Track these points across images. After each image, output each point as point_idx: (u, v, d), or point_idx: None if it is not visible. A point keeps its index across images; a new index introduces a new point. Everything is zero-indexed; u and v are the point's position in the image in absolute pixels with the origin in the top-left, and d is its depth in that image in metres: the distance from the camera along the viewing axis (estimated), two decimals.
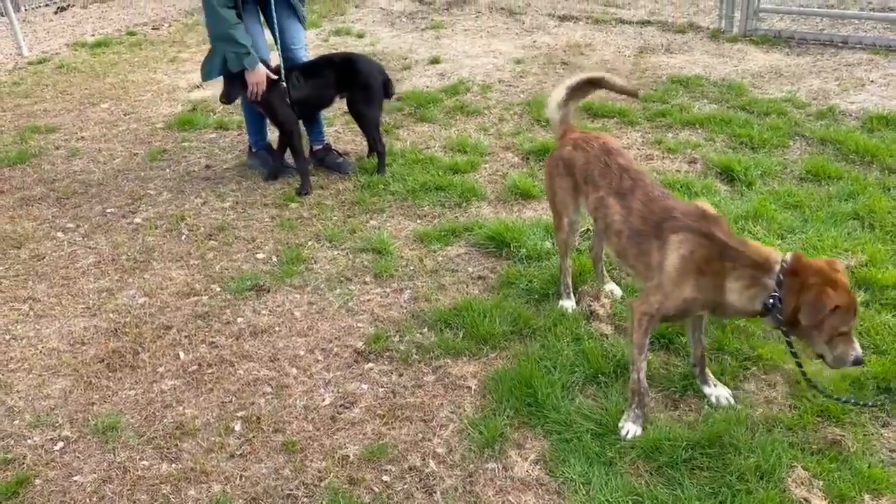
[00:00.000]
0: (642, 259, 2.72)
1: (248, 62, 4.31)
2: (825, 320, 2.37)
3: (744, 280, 2.51)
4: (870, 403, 2.68)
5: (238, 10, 4.32)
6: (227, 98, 4.54)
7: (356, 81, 4.71)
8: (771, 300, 2.46)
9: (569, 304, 3.38)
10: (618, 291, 3.48)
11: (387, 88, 4.85)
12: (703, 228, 2.57)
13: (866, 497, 2.38)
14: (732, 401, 2.79)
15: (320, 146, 5.11)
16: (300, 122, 4.82)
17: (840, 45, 6.81)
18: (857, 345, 2.45)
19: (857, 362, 2.46)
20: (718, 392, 2.82)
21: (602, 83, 3.35)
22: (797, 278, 2.41)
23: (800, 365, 2.58)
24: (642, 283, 2.78)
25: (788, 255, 2.48)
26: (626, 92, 3.56)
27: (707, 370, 2.86)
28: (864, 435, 2.63)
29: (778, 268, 2.46)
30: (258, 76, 4.37)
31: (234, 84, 4.46)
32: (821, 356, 2.50)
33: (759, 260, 2.50)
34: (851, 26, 7.28)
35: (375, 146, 4.93)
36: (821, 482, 2.44)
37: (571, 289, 3.42)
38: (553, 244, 3.84)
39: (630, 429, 2.66)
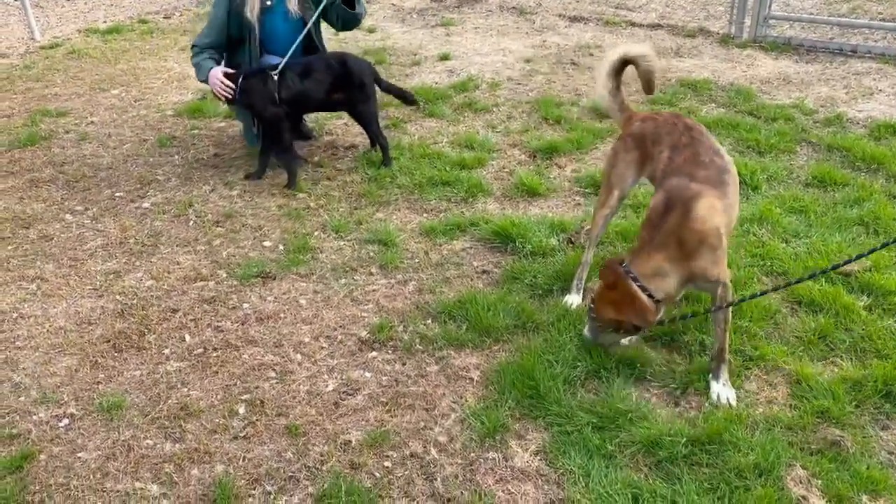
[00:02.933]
0: None
1: (198, 75, 4.68)
2: None
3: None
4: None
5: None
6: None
7: (350, 82, 4.73)
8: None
9: (574, 299, 3.39)
10: None
11: (378, 82, 4.89)
12: (670, 202, 2.72)
13: (864, 498, 2.40)
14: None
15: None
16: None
17: (849, 53, 6.82)
18: None
19: None
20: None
21: (635, 62, 3.28)
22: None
23: None
24: None
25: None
26: (648, 82, 3.32)
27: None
28: (864, 437, 2.64)
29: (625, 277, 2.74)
30: (213, 79, 4.55)
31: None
32: None
33: (641, 268, 2.76)
34: (861, 36, 7.28)
35: (378, 140, 4.95)
36: (819, 481, 2.46)
37: (583, 283, 3.43)
38: (558, 242, 3.87)
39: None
